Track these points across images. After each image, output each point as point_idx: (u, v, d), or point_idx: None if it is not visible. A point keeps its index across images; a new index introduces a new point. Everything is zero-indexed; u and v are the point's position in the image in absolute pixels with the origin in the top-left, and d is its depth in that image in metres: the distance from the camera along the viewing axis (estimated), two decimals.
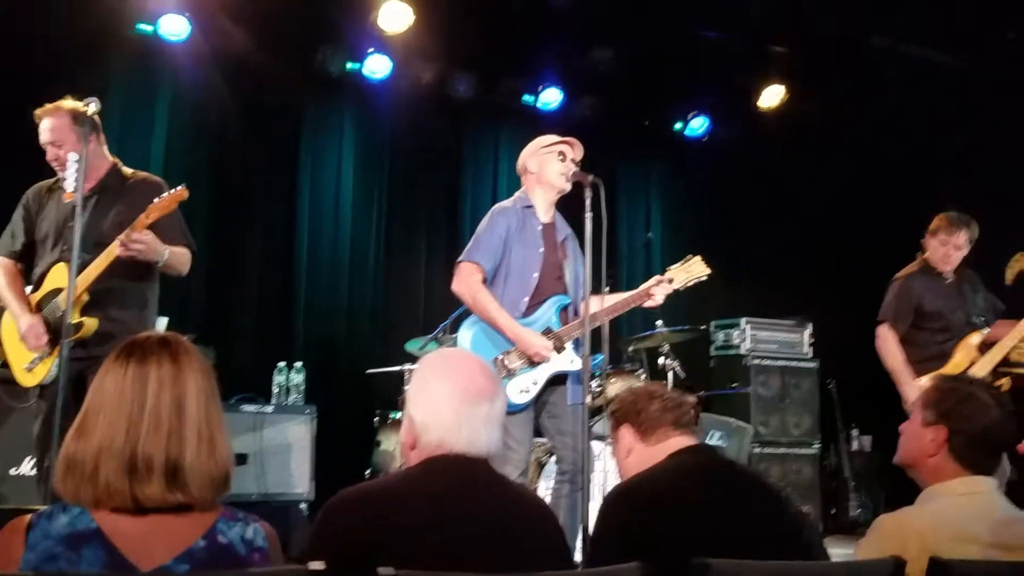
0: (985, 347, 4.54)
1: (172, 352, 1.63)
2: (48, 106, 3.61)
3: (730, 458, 2.51)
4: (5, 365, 3.72)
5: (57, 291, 3.52)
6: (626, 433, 2.38)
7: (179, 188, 3.51)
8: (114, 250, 3.42)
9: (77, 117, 3.53)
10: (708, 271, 3.99)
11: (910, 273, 4.76)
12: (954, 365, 4.55)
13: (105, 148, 3.73)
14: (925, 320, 4.64)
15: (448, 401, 1.85)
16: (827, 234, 7.51)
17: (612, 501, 2.12)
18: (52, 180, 3.71)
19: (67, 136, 3.56)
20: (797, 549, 2.07)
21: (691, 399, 2.41)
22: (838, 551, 4.60)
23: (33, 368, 3.54)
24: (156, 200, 3.46)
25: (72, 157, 3.40)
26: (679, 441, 2.29)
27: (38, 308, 3.60)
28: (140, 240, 3.42)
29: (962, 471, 2.14)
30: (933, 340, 4.62)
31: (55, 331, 3.44)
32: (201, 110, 6.16)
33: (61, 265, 3.53)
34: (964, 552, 1.95)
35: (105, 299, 3.53)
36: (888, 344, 4.62)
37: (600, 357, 3.89)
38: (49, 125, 3.59)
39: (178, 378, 1.61)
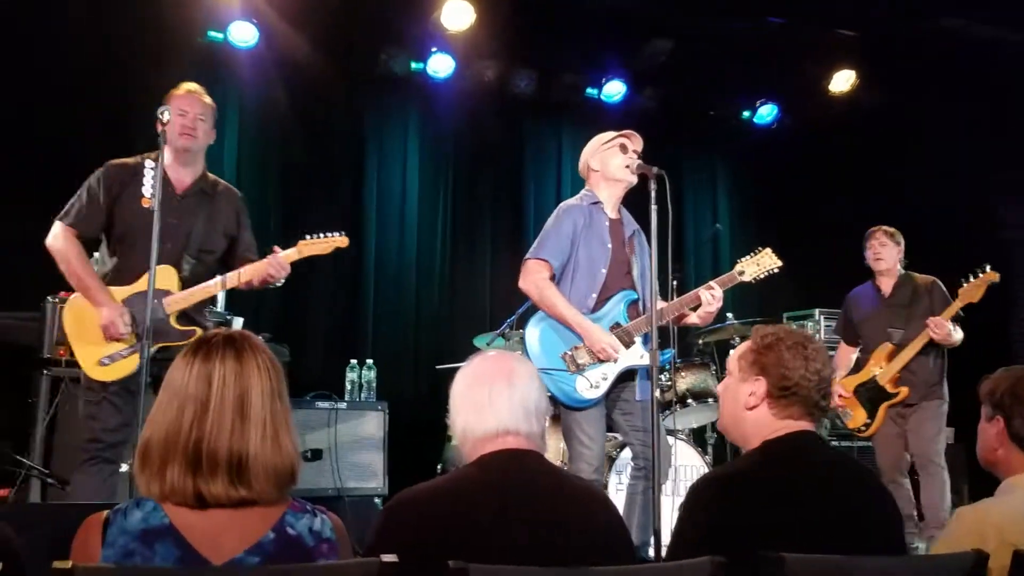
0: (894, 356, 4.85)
1: (237, 349, 1.66)
2: (194, 86, 3.74)
3: (835, 449, 2.28)
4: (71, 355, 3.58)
5: (161, 292, 3.44)
6: (762, 386, 2.08)
7: (342, 236, 3.80)
8: (261, 270, 3.59)
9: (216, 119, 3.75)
10: (779, 263, 3.95)
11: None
12: (862, 374, 4.92)
13: None
14: (858, 330, 5.06)
15: (469, 387, 1.97)
16: (901, 221, 7.31)
17: (699, 490, 2.02)
18: (138, 160, 3.59)
19: (207, 125, 3.69)
20: (886, 547, 1.98)
21: (831, 374, 2.07)
22: (922, 545, 4.51)
23: (112, 363, 3.44)
24: (316, 240, 3.74)
25: (148, 165, 3.47)
26: (793, 425, 2.05)
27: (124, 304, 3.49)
28: (287, 270, 3.63)
29: None
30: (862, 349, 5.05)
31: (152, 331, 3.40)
32: (270, 114, 6.29)
33: (169, 269, 3.50)
34: None
35: (196, 308, 3.62)
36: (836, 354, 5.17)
37: (669, 352, 3.86)
38: (207, 106, 3.70)
39: (241, 375, 1.64)
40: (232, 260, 3.74)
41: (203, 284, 3.58)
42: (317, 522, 1.65)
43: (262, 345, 1.72)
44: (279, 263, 3.61)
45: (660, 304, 3.72)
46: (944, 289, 4.90)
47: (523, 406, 1.93)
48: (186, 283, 3.56)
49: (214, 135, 3.75)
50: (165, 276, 3.50)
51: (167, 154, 3.56)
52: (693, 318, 3.89)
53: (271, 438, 1.62)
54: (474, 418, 1.93)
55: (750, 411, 2.09)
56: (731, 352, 2.21)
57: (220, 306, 5.17)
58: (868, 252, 5.10)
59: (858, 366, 5.02)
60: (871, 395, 4.87)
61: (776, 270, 3.96)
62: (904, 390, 4.76)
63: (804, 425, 2.06)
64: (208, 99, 3.72)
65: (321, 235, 3.78)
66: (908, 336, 4.78)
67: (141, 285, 3.46)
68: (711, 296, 3.80)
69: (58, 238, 3.53)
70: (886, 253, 5.03)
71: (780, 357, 2.05)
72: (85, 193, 3.57)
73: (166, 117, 3.37)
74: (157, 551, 1.54)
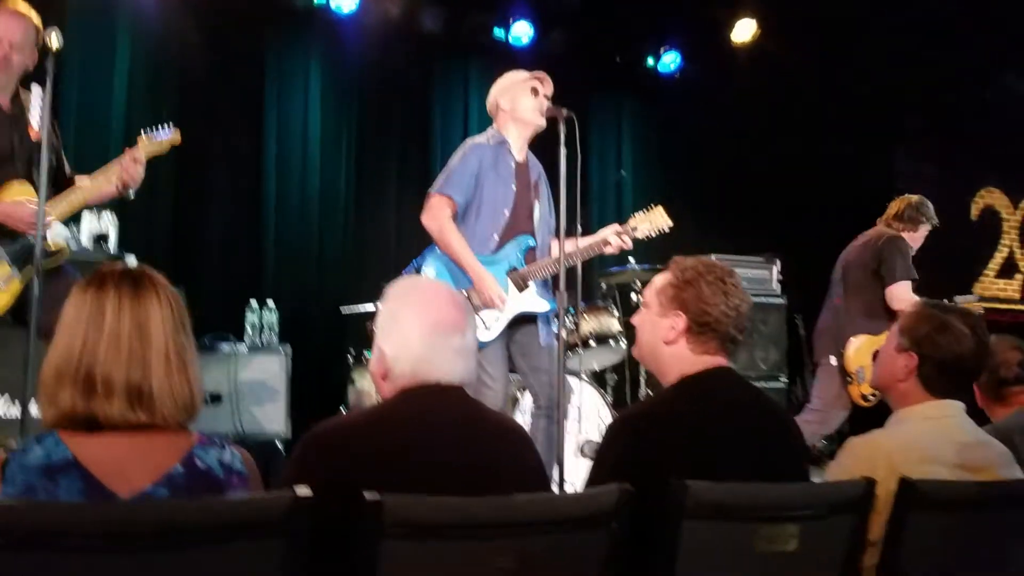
0: None
1: (134, 281, 1.63)
2: (20, 4, 3.31)
3: (748, 383, 2.27)
4: None
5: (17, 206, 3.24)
6: (682, 321, 2.08)
7: (175, 133, 3.55)
8: (112, 171, 3.38)
9: (40, 39, 3.21)
10: (670, 223, 3.98)
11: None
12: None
13: None
14: None
15: (419, 334, 1.82)
16: (796, 170, 7.55)
17: (615, 428, 2.05)
18: None
19: (26, 46, 3.27)
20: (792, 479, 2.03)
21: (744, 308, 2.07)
22: None
23: None
24: (154, 137, 3.50)
25: (36, 91, 3.29)
26: (710, 360, 2.08)
27: None
28: (142, 167, 3.43)
29: (930, 397, 2.19)
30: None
31: (18, 258, 3.24)
32: (164, 45, 5.99)
33: (24, 184, 3.26)
34: (931, 473, 2.00)
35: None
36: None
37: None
38: (17, 24, 3.25)
39: (139, 304, 1.60)
40: (62, 179, 3.45)
41: (64, 192, 3.36)
42: (227, 455, 1.63)
43: (163, 281, 1.68)
44: (133, 162, 3.41)
45: (568, 247, 3.74)
46: None
47: (473, 356, 1.89)
48: None
49: (35, 56, 3.30)
50: (21, 190, 3.29)
51: None
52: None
53: (176, 369, 1.59)
54: (440, 363, 1.82)
55: (668, 345, 2.11)
56: (650, 283, 2.19)
57: (112, 244, 4.98)
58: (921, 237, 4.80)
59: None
60: None
61: (666, 230, 3.98)
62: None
63: (720, 360, 2.10)
64: (33, 17, 3.30)
65: (153, 133, 3.54)
66: None
67: None
68: (623, 242, 3.85)
69: None
70: None
71: (700, 293, 2.06)
72: None
73: (55, 43, 3.05)
74: (61, 485, 1.50)
